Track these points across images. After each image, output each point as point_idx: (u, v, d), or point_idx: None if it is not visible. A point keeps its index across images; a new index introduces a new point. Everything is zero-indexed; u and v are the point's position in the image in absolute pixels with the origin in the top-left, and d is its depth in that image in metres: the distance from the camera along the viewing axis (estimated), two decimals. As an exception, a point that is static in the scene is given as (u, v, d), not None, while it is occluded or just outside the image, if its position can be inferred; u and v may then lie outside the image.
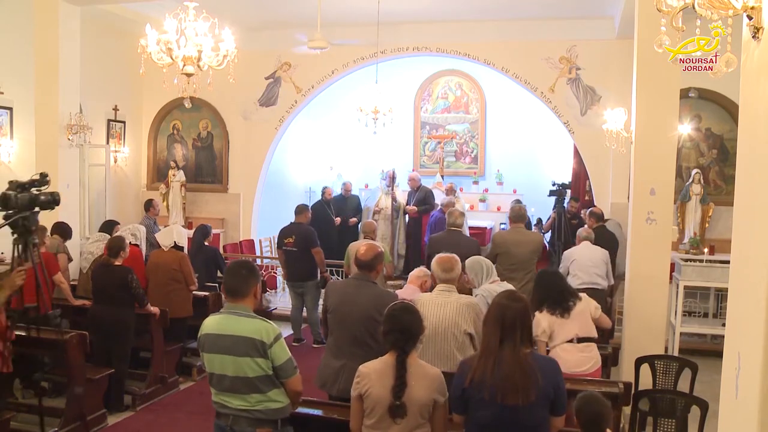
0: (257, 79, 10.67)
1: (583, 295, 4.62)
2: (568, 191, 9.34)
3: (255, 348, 3.11)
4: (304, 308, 7.97)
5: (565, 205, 9.17)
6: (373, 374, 3.03)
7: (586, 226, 7.49)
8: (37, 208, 4.03)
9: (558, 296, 4.48)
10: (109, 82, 10.27)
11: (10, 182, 4.06)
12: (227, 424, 3.22)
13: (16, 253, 4.01)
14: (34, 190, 4.06)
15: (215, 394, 3.26)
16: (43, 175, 4.15)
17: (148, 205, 9.13)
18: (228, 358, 3.14)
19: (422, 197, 10.35)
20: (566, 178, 10.64)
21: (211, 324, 3.26)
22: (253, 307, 3.27)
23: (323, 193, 10.79)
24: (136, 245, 6.69)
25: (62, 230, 6.71)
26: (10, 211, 3.91)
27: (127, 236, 6.59)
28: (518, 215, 6.62)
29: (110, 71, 10.21)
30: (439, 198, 10.50)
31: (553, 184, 9.09)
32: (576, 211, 9.33)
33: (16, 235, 4.00)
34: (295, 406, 3.38)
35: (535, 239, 6.62)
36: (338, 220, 10.55)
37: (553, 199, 9.10)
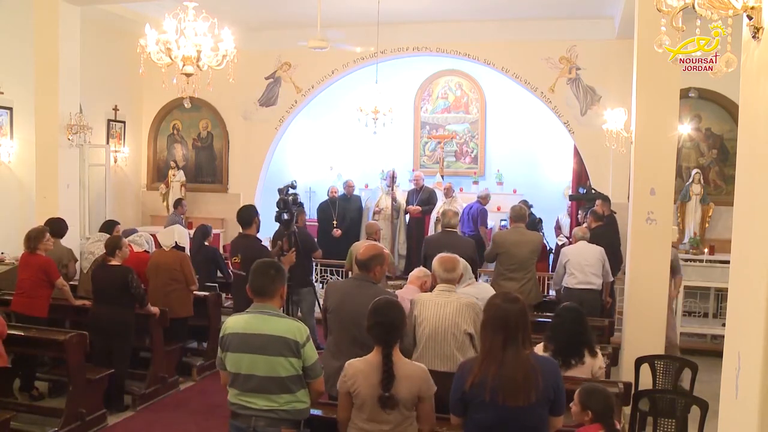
0: (257, 79, 10.67)
1: (598, 353, 4.20)
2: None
3: (288, 347, 3.11)
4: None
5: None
6: (360, 374, 3.09)
7: (583, 225, 7.49)
8: (296, 207, 6.25)
9: (567, 349, 4.06)
10: (109, 82, 10.28)
11: (280, 189, 6.18)
12: (249, 425, 3.18)
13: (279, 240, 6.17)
14: (291, 191, 6.14)
15: (236, 394, 3.22)
16: (294, 181, 6.41)
17: (177, 203, 9.48)
18: (260, 357, 3.12)
19: (426, 197, 10.33)
20: (569, 177, 10.69)
21: (238, 323, 3.24)
22: (279, 308, 3.28)
23: (329, 192, 10.72)
24: (147, 252, 6.72)
25: (58, 227, 6.53)
26: (284, 210, 6.09)
27: (142, 243, 6.64)
28: (518, 215, 6.62)
29: (110, 71, 10.21)
30: (439, 198, 10.52)
31: (580, 190, 9.19)
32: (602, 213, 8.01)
33: (281, 227, 6.30)
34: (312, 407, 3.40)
35: (535, 239, 6.63)
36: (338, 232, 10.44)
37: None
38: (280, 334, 3.12)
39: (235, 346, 3.19)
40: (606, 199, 8.02)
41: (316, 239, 8.58)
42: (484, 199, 9.94)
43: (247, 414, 3.19)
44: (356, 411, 3.12)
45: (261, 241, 5.92)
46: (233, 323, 3.26)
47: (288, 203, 6.15)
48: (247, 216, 5.82)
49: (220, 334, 3.28)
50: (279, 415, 3.16)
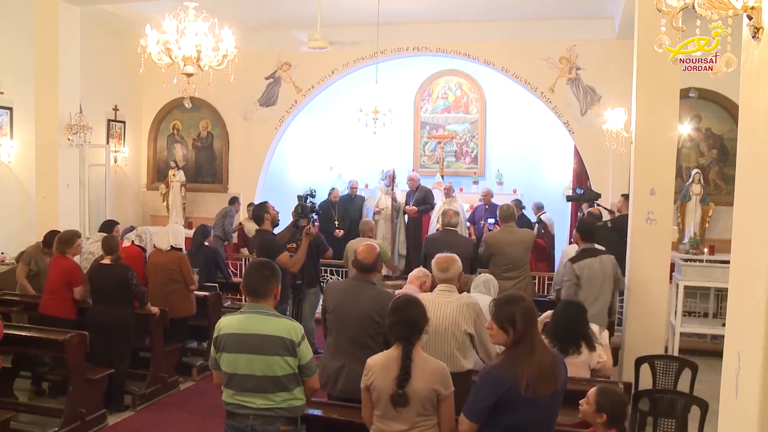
0: (257, 79, 10.67)
1: (598, 347, 4.27)
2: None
3: (285, 347, 3.13)
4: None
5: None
6: (377, 367, 3.09)
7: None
8: (314, 214, 6.66)
9: (565, 337, 4.17)
10: (109, 82, 10.28)
11: (299, 196, 6.48)
12: (247, 424, 3.19)
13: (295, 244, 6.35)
14: (309, 200, 6.51)
15: (232, 394, 3.23)
16: (314, 190, 6.79)
17: (234, 200, 10.09)
18: (256, 357, 3.13)
19: (422, 197, 10.33)
20: (569, 177, 10.70)
21: (232, 324, 3.24)
22: (273, 307, 3.28)
23: (330, 194, 10.72)
24: (141, 247, 6.72)
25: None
26: (301, 215, 6.39)
27: (131, 237, 6.66)
28: (508, 214, 6.58)
29: (110, 71, 10.22)
30: (438, 197, 10.51)
31: (577, 191, 9.20)
32: (598, 213, 8.18)
33: (294, 230, 6.59)
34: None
35: (527, 237, 6.59)
36: (340, 232, 10.46)
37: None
38: (277, 334, 3.13)
39: (230, 346, 3.20)
40: (626, 197, 7.97)
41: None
42: (484, 197, 10.31)
43: (244, 413, 3.20)
44: (374, 408, 3.12)
45: (274, 235, 6.33)
46: (227, 323, 3.26)
47: (306, 209, 6.47)
48: (257, 214, 6.38)
49: (214, 335, 3.29)
50: (276, 413, 3.18)
